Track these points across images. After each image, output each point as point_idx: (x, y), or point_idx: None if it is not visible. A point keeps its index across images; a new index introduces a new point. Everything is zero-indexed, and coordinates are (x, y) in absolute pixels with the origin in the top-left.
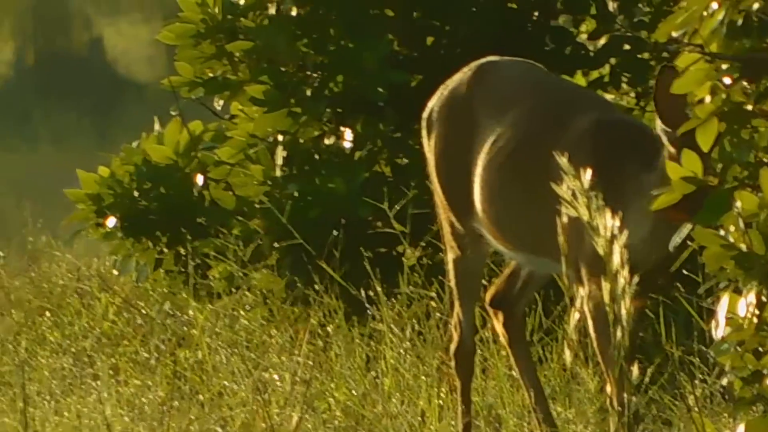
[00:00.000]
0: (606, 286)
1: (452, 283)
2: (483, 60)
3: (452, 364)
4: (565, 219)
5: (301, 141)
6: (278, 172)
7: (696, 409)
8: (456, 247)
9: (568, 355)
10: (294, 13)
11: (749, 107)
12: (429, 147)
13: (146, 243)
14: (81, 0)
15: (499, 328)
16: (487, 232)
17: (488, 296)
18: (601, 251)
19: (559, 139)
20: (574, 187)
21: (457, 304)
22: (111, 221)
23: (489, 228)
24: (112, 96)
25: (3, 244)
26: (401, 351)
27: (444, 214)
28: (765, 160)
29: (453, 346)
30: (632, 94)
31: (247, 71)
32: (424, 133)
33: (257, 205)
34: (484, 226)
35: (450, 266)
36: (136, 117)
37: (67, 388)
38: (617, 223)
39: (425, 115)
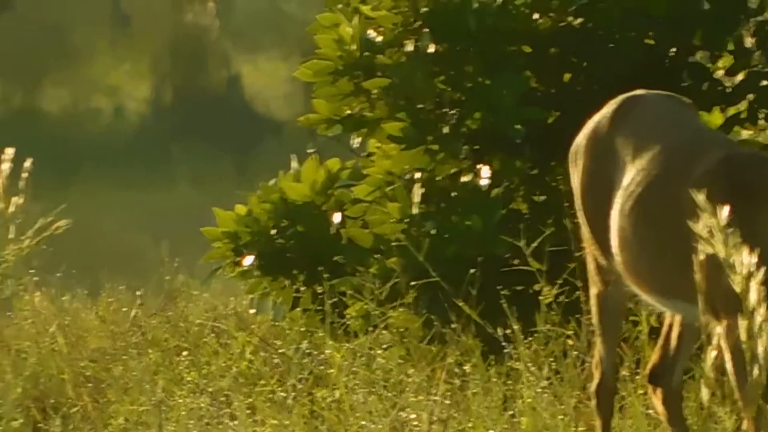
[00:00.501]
0: (743, 323)
1: (594, 320)
2: (628, 94)
3: (592, 402)
4: (701, 256)
5: (438, 178)
6: (415, 210)
7: None
8: (599, 282)
9: (705, 393)
10: (431, 50)
11: None
12: (574, 181)
13: (283, 281)
14: (219, 37)
15: (659, 406)
16: (621, 272)
17: (647, 372)
18: (737, 288)
19: (691, 177)
20: (711, 224)
21: (598, 341)
22: (248, 259)
23: (621, 268)
24: (249, 134)
25: (140, 283)
26: (538, 390)
27: (588, 248)
28: None
29: (594, 384)
30: None
31: (385, 108)
32: (571, 167)
33: (394, 243)
34: (618, 266)
35: (593, 301)
36: (273, 154)
37: (204, 428)
38: (754, 260)
39: (572, 148)
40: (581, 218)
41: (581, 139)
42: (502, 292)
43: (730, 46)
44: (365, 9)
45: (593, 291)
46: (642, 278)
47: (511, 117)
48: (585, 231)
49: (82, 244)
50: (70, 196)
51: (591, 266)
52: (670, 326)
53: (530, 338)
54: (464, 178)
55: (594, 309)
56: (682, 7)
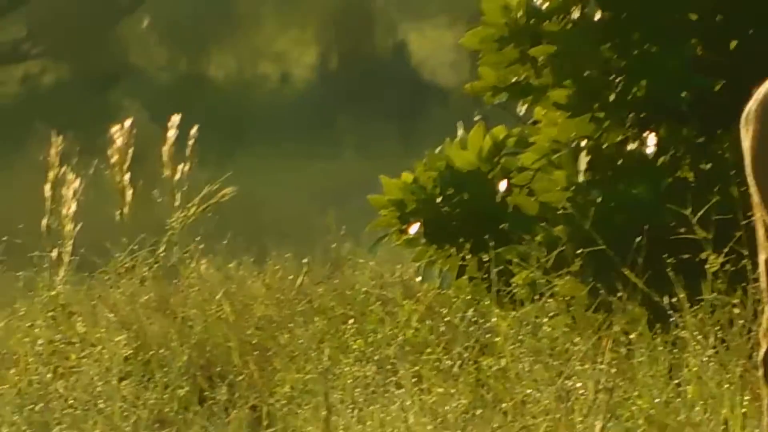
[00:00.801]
0: None
1: (762, 286)
2: None
3: (759, 371)
4: None
5: (604, 146)
6: (581, 178)
7: None
8: None
9: None
10: (597, 17)
11: None
12: (745, 146)
13: (449, 249)
14: (385, 4)
15: None
16: None
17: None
18: None
19: None
20: None
21: (766, 309)
22: (414, 227)
23: None
24: (415, 101)
25: (307, 251)
26: (704, 358)
27: (758, 214)
28: None
29: (761, 353)
30: None
31: (550, 76)
32: (742, 132)
33: (560, 211)
34: None
35: (762, 268)
36: (439, 122)
37: (370, 396)
38: None
39: (744, 114)
40: (751, 184)
41: (753, 104)
42: (668, 261)
43: None
44: None
45: (762, 257)
46: None
47: (677, 85)
48: (755, 197)
49: (248, 211)
50: (236, 164)
51: (760, 232)
52: None
53: (696, 307)
54: (630, 147)
55: (762, 276)
56: None
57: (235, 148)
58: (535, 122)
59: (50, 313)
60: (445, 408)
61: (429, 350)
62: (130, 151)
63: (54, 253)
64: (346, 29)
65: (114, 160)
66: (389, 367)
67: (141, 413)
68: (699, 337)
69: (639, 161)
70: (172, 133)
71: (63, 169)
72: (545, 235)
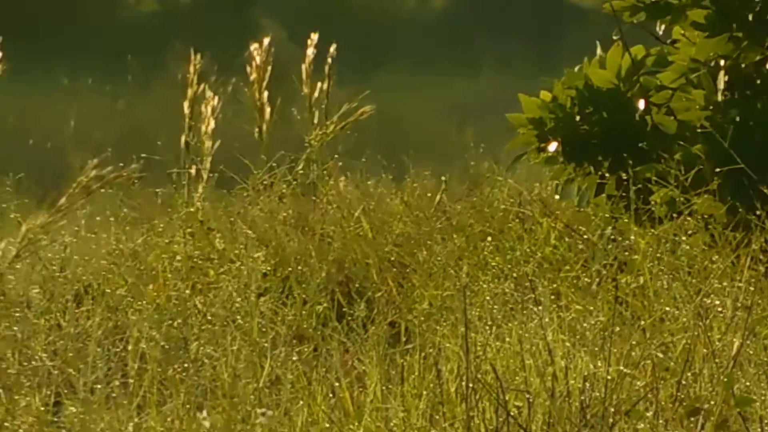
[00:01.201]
0: None
1: None
2: None
3: None
4: None
5: (743, 66)
6: (720, 97)
7: None
8: None
9: None
10: None
11: None
12: None
13: (588, 167)
14: None
15: None
16: None
17: None
18: None
19: None
20: None
21: None
22: (552, 145)
23: None
24: (554, 21)
25: (445, 168)
26: None
27: None
28: None
29: None
30: None
31: None
32: None
33: (699, 130)
34: None
35: None
36: (578, 41)
37: (508, 313)
38: None
39: None
40: None
41: None
42: None
43: None
44: None
45: None
46: None
47: None
48: None
49: (387, 129)
50: (374, 82)
51: None
52: None
53: None
54: None
55: None
56: None
57: (373, 67)
58: (673, 42)
59: (189, 230)
60: (584, 325)
61: (567, 267)
62: (269, 69)
63: (193, 170)
64: None
65: (252, 78)
66: (527, 284)
67: (279, 329)
68: None
69: None
70: (310, 51)
71: (201, 87)
72: (684, 154)
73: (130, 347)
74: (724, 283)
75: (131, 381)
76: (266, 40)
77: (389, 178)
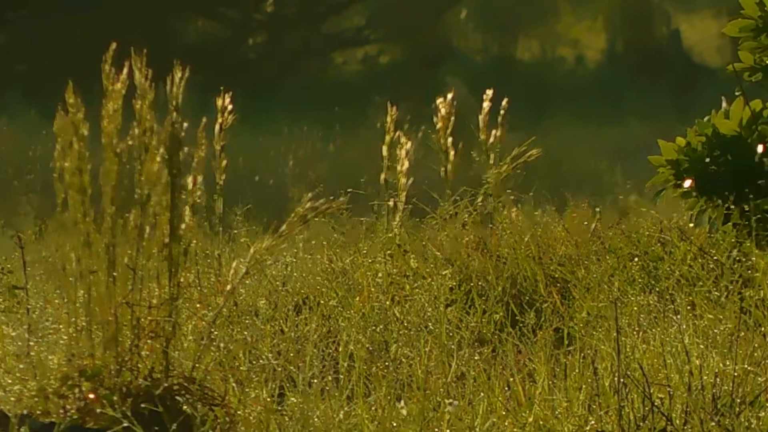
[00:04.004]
0: None
1: None
2: None
3: None
4: None
5: None
6: None
7: None
8: None
9: None
10: None
11: None
12: None
13: (716, 200)
14: (661, 1)
15: None
16: None
17: None
18: None
19: None
20: None
21: None
22: (687, 182)
23: None
24: (687, 79)
25: (599, 201)
26: None
27: None
28: None
29: None
30: None
31: None
32: None
33: None
34: None
35: None
36: (707, 96)
37: (652, 321)
38: None
39: None
40: None
41: None
42: None
43: None
44: None
45: None
46: None
47: None
48: None
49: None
50: (540, 129)
51: None
52: None
53: None
54: None
55: None
56: None
57: (539, 117)
58: None
59: (388, 252)
60: (714, 331)
61: (700, 283)
62: (452, 119)
63: (390, 203)
64: (630, 19)
65: (439, 126)
66: (668, 297)
67: (464, 334)
68: None
69: None
70: (486, 105)
71: (397, 134)
72: None
73: (340, 349)
74: None
75: (341, 377)
76: (450, 95)
77: (553, 209)
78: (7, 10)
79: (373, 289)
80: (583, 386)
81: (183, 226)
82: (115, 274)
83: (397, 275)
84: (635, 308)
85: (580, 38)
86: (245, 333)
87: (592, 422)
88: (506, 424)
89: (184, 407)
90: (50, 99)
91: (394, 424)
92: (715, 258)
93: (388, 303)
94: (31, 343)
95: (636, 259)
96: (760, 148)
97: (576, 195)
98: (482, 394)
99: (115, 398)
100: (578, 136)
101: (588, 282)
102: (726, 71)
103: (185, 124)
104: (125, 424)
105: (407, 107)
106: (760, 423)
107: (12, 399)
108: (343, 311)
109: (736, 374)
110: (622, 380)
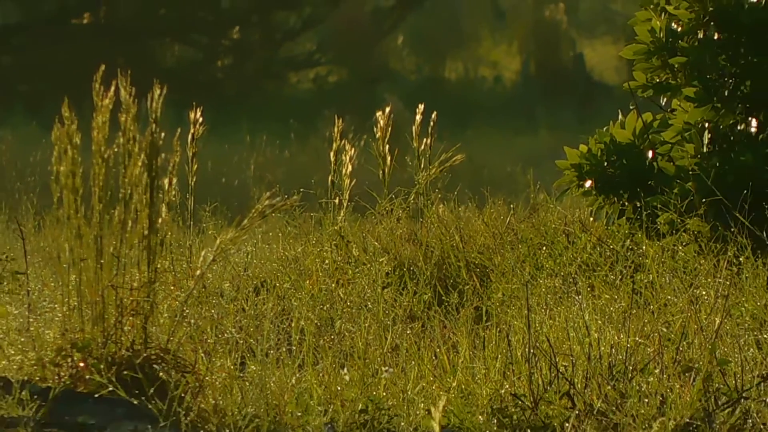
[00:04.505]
0: None
1: None
2: None
3: None
4: None
5: (721, 127)
6: (705, 149)
7: None
8: None
9: None
10: (716, 37)
11: None
12: None
13: (613, 198)
14: (567, 27)
15: None
16: None
17: None
18: None
19: None
20: None
21: None
22: (588, 183)
23: None
24: (589, 95)
25: (513, 199)
26: None
27: None
28: None
29: None
30: None
31: (683, 78)
32: None
33: (690, 172)
34: None
35: None
36: (606, 110)
37: (557, 300)
38: None
39: None
40: None
41: None
42: (766, 206)
43: None
44: (669, 8)
45: None
46: None
47: None
48: None
49: (473, 171)
50: (464, 138)
51: None
52: None
53: None
54: (740, 127)
55: None
56: None
57: (463, 127)
58: (672, 110)
59: (334, 242)
60: (610, 309)
61: (599, 269)
62: (389, 129)
63: (336, 201)
64: (541, 44)
65: (378, 135)
66: (571, 280)
67: (397, 311)
68: None
69: (746, 137)
70: (418, 117)
71: (343, 142)
72: (680, 189)
73: (293, 324)
74: (709, 279)
75: (294, 348)
76: (387, 109)
77: (474, 206)
78: (12, 36)
79: (321, 274)
80: (499, 356)
81: (160, 220)
82: (102, 261)
83: (341, 262)
84: (543, 290)
85: (498, 60)
86: (212, 311)
87: (507, 386)
88: (434, 387)
89: (161, 374)
90: (49, 113)
91: (339, 388)
92: (611, 247)
93: (333, 285)
94: (31, 320)
95: (544, 248)
96: (650, 154)
97: (494, 194)
98: (413, 362)
99: (102, 366)
100: (496, 145)
101: (503, 267)
102: (622, 88)
103: (163, 134)
104: (110, 389)
105: (351, 119)
106: (649, 386)
107: (14, 367)
108: (295, 293)
109: (628, 346)
110: (532, 351)
